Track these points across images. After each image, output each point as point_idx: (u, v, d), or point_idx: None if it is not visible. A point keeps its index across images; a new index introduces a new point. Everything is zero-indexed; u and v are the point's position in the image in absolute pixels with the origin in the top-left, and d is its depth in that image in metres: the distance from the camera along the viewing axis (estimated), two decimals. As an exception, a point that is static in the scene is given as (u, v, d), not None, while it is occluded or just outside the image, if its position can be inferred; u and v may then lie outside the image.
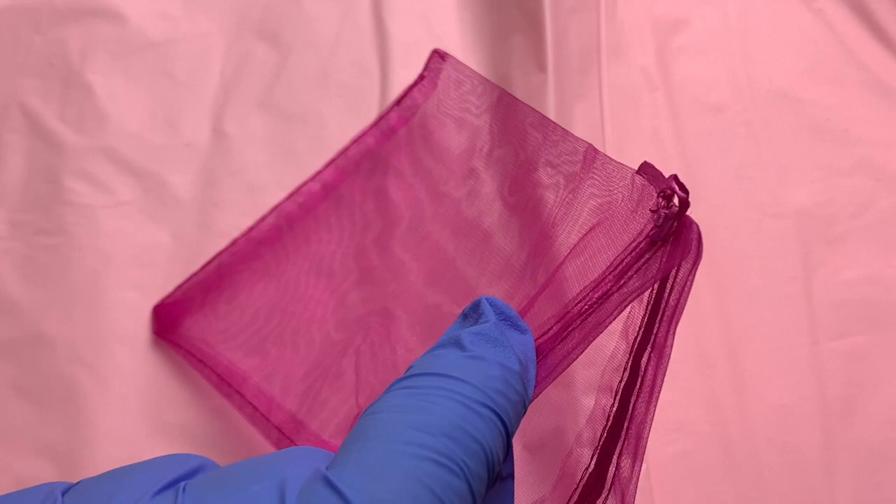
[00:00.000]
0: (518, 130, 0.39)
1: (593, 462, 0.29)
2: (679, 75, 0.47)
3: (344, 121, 0.46)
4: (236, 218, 0.44)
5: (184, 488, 0.20)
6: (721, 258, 0.35)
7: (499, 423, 0.22)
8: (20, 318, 0.41)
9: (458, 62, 0.43)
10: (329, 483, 0.20)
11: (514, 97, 0.40)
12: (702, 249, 0.27)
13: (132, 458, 0.38)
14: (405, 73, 0.47)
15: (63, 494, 0.21)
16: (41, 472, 0.38)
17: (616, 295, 0.27)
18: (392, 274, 0.40)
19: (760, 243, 0.42)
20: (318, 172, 0.42)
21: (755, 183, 0.44)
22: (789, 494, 0.36)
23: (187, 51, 0.49)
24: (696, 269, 0.28)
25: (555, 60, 0.45)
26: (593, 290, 0.27)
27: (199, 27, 0.49)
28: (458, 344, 0.24)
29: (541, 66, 0.45)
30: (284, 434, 0.36)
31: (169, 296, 0.40)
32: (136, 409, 0.40)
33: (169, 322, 0.40)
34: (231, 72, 0.48)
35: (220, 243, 0.43)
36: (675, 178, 0.27)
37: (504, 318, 0.25)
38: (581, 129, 0.44)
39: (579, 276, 0.29)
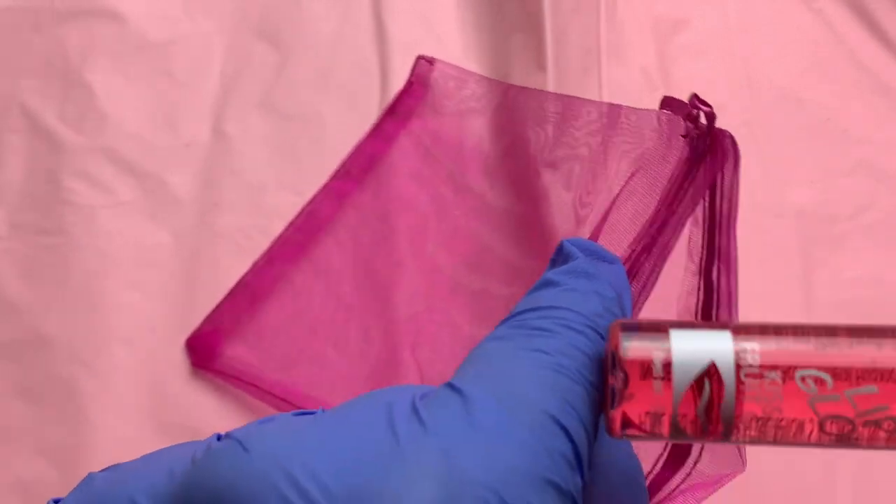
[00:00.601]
0: (533, 113, 0.40)
1: None
2: (679, 75, 0.47)
3: (344, 121, 0.46)
4: (236, 218, 0.44)
5: (322, 410, 0.22)
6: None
7: (603, 343, 0.23)
8: (20, 318, 0.41)
9: (450, 64, 0.43)
10: (451, 386, 0.21)
11: (521, 87, 0.41)
12: (738, 151, 0.28)
13: (132, 458, 0.38)
14: (405, 73, 0.47)
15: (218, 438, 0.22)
16: (41, 472, 0.38)
17: (673, 219, 0.28)
18: (429, 270, 0.40)
19: (760, 243, 0.42)
20: (325, 185, 0.42)
21: (755, 183, 0.44)
22: (789, 494, 0.36)
23: (187, 51, 0.49)
24: (739, 168, 0.28)
25: (555, 60, 0.45)
26: (651, 225, 0.28)
27: (199, 27, 0.49)
28: (550, 283, 0.25)
29: (541, 66, 0.45)
30: None
31: (199, 328, 0.40)
32: (136, 409, 0.39)
33: (206, 353, 0.40)
34: (231, 72, 0.48)
35: (221, 243, 0.43)
36: (695, 96, 0.28)
37: (590, 253, 0.26)
38: (581, 129, 0.44)
39: (633, 219, 0.30)
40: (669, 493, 0.29)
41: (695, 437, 0.21)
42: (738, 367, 0.20)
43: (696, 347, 0.20)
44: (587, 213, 0.36)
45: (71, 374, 0.40)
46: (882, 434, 0.20)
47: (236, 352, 0.40)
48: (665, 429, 0.21)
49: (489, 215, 0.41)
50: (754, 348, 0.20)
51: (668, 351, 0.20)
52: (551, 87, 0.44)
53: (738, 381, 0.20)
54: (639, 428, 0.21)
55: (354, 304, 0.40)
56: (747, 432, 0.20)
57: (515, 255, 0.39)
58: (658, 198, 0.29)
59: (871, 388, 0.19)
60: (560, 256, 0.26)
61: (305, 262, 0.41)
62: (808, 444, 0.20)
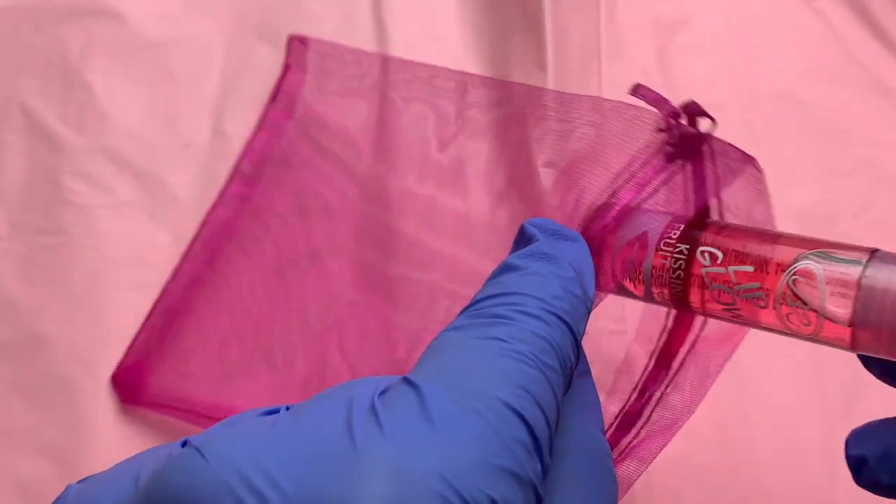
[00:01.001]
0: (423, 87, 0.39)
1: (652, 361, 0.30)
2: (679, 75, 0.47)
3: (344, 121, 0.46)
4: (236, 218, 0.44)
5: (287, 407, 0.22)
6: (721, 258, 0.36)
7: (563, 325, 0.23)
8: (20, 318, 0.41)
9: (325, 42, 0.42)
10: (406, 381, 0.21)
11: (401, 59, 0.40)
12: (756, 163, 0.28)
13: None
14: (405, 73, 0.47)
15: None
16: (41, 472, 0.38)
17: (644, 208, 0.28)
18: (340, 263, 0.39)
19: (760, 243, 0.42)
20: (222, 192, 0.41)
21: (755, 183, 0.44)
22: (789, 494, 0.36)
23: (187, 51, 0.49)
24: (766, 206, 0.29)
25: (555, 60, 0.45)
26: (606, 208, 0.28)
27: (199, 27, 0.49)
28: (510, 268, 0.25)
29: (541, 66, 0.45)
30: None
31: (121, 362, 0.39)
32: (136, 410, 0.39)
33: (134, 387, 0.39)
34: (231, 72, 0.48)
35: (220, 243, 0.43)
36: (693, 102, 0.28)
37: (551, 233, 0.26)
38: (581, 129, 0.44)
39: (579, 199, 0.30)
40: (622, 452, 0.29)
41: (626, 288, 0.27)
42: (661, 238, 0.26)
43: (643, 223, 0.27)
44: (501, 186, 0.36)
45: (71, 374, 0.40)
46: (755, 309, 0.25)
47: (164, 380, 0.39)
48: (609, 276, 0.27)
49: (392, 198, 0.40)
50: (680, 227, 0.26)
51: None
52: (551, 86, 0.44)
53: (658, 247, 0.26)
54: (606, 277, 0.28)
55: (272, 311, 0.39)
56: (661, 289, 0.27)
57: (431, 237, 0.39)
58: (612, 178, 0.29)
59: (748, 267, 0.25)
60: (522, 238, 0.26)
61: (215, 276, 0.40)
62: (705, 311, 0.26)
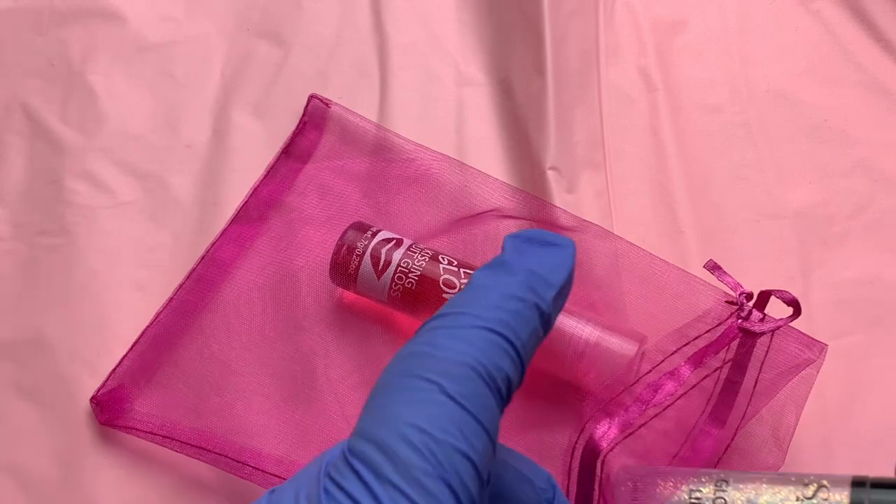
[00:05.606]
0: (424, 179, 0.42)
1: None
2: (678, 76, 0.47)
3: (344, 122, 0.46)
4: (237, 218, 0.44)
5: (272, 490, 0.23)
6: (719, 259, 0.36)
7: (500, 340, 0.22)
8: (21, 318, 0.42)
9: (345, 109, 0.43)
10: (344, 456, 0.21)
11: (417, 143, 0.42)
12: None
13: (133, 458, 0.38)
14: (404, 75, 0.48)
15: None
16: (43, 472, 0.38)
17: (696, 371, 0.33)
18: (335, 306, 0.41)
19: (759, 244, 0.42)
20: (225, 230, 0.42)
21: (753, 183, 0.44)
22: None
23: (188, 52, 0.49)
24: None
25: (554, 64, 0.45)
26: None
27: (200, 28, 0.50)
28: (467, 285, 0.24)
29: (540, 71, 0.45)
30: (282, 478, 0.35)
31: (104, 384, 0.39)
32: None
33: (115, 409, 0.38)
34: (231, 72, 0.48)
35: (221, 244, 0.43)
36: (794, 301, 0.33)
37: (526, 239, 0.25)
38: (580, 132, 0.44)
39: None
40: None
41: None
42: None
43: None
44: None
45: (71, 374, 0.40)
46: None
47: (146, 406, 0.39)
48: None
49: None
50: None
51: None
52: (550, 91, 0.44)
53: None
54: None
55: (261, 345, 0.40)
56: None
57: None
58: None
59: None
60: None
61: (209, 309, 0.41)
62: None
